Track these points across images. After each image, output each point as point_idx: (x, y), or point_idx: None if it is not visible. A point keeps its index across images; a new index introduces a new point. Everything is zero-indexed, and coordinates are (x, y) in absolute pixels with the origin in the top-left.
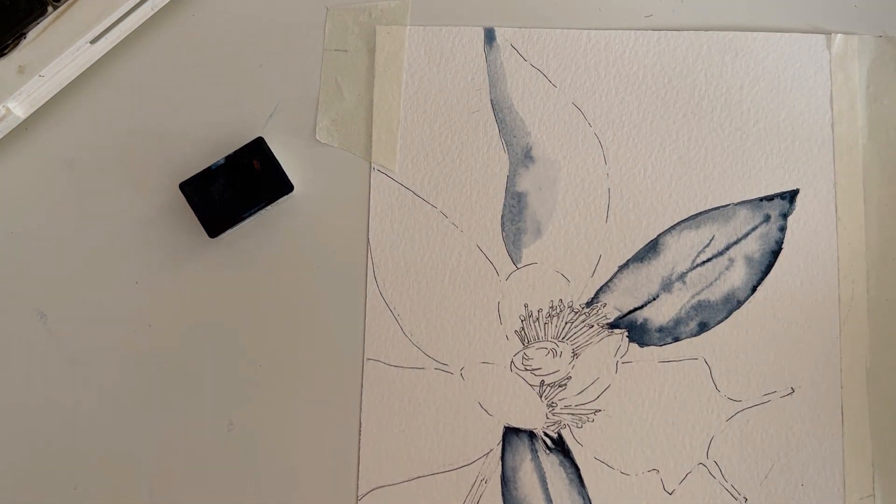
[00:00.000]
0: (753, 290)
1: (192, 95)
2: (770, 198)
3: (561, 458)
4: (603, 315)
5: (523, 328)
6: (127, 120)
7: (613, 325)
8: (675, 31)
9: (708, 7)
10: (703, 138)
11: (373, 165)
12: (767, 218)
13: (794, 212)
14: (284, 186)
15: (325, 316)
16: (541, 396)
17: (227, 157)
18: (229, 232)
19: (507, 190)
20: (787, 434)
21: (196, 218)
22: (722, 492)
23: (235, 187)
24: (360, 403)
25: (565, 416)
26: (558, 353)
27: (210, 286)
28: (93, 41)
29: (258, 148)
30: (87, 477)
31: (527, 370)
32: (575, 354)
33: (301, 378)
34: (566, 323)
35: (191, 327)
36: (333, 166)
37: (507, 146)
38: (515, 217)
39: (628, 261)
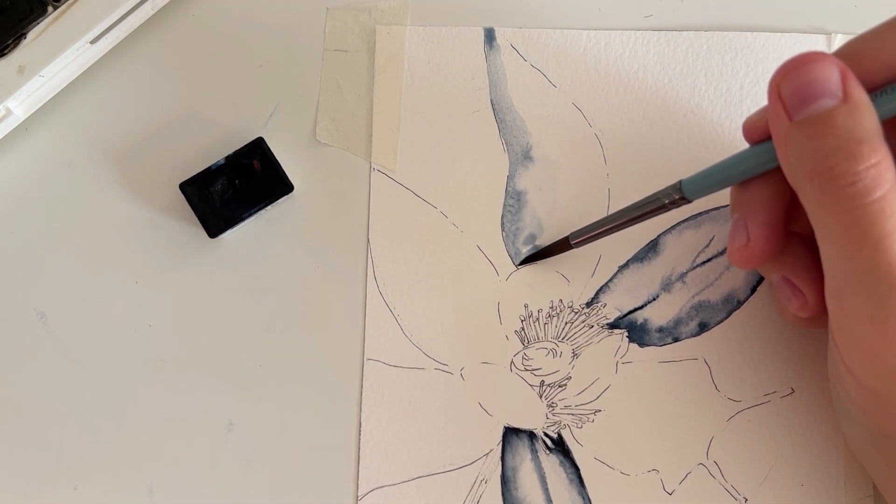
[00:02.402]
0: (753, 290)
1: (191, 95)
2: None
3: (561, 458)
4: (603, 315)
5: (523, 328)
6: (127, 120)
7: (613, 326)
8: (675, 32)
9: (708, 7)
10: (704, 138)
11: (373, 165)
12: None
13: None
14: (284, 186)
15: (325, 316)
16: (541, 396)
17: (227, 157)
18: (229, 232)
19: (506, 190)
20: (787, 434)
21: (196, 218)
22: (722, 492)
23: (235, 187)
24: (360, 403)
25: (565, 416)
26: (558, 354)
27: (210, 286)
28: (93, 41)
29: (258, 148)
30: (87, 477)
31: (527, 370)
32: (575, 354)
33: (301, 378)
34: (566, 323)
35: (191, 327)
36: (333, 166)
37: (507, 146)
38: (515, 217)
39: (628, 261)
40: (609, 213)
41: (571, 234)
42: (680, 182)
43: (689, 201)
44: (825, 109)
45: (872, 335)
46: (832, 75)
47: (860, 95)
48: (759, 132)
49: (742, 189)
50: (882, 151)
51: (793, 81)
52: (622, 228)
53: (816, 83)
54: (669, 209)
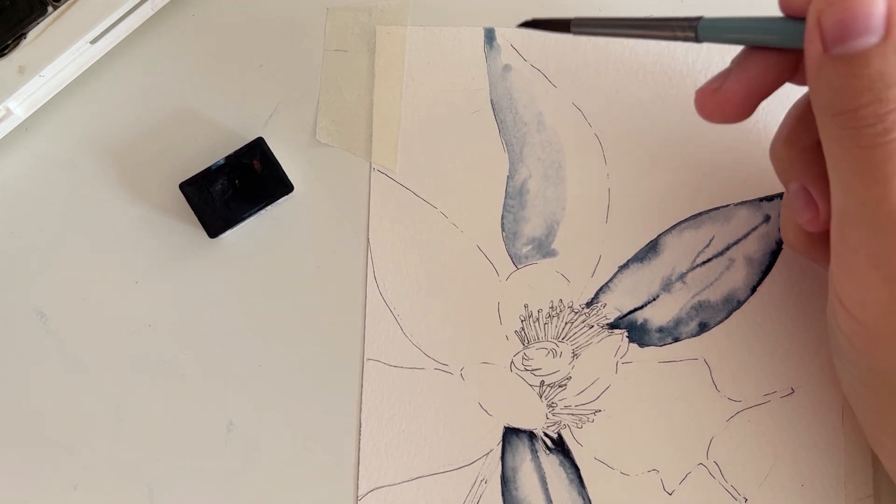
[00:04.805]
0: (753, 290)
1: (191, 95)
2: (770, 198)
3: (561, 458)
4: (603, 315)
5: (523, 328)
6: (127, 120)
7: (613, 326)
8: None
9: (708, 7)
10: (703, 138)
11: (373, 165)
12: (767, 218)
13: None
14: (284, 186)
15: (325, 316)
16: (541, 396)
17: (227, 157)
18: (229, 232)
19: (506, 190)
20: (787, 434)
21: (196, 218)
22: (722, 492)
23: (235, 187)
24: (360, 403)
25: (565, 416)
26: (558, 354)
27: (210, 286)
28: (93, 41)
29: (258, 148)
30: (87, 477)
31: (527, 370)
32: (575, 355)
33: (301, 378)
34: (566, 323)
35: (191, 327)
36: (333, 166)
37: (507, 146)
38: (515, 217)
39: (628, 261)
40: (626, 19)
41: (575, 19)
42: (700, 17)
43: (699, 41)
44: (863, 48)
45: (869, 270)
46: (877, 10)
47: None
48: (795, 9)
49: (748, 52)
50: None
51: (836, 13)
52: (624, 36)
53: (860, 19)
54: (677, 39)
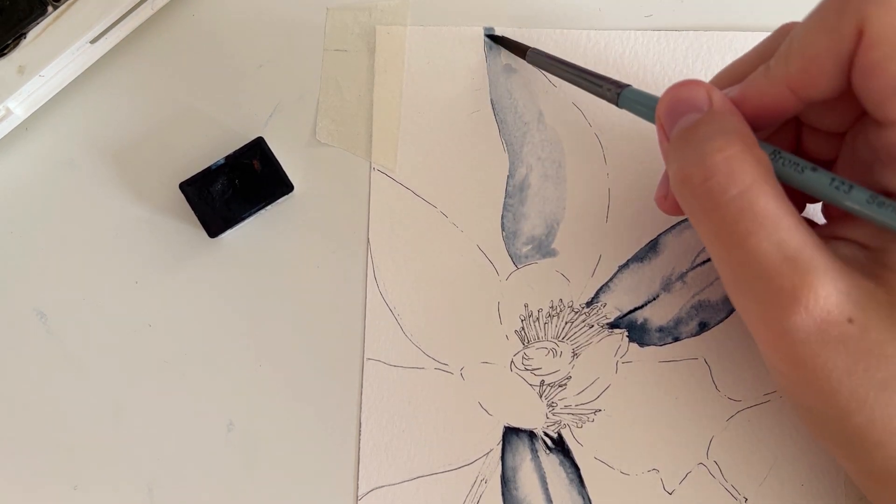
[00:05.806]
0: None
1: (191, 95)
2: None
3: (561, 458)
4: (603, 315)
5: (523, 328)
6: (127, 120)
7: (613, 325)
8: (675, 32)
9: (708, 7)
10: None
11: (373, 165)
12: None
13: None
14: (284, 186)
15: (325, 316)
16: (541, 396)
17: (227, 157)
18: (229, 232)
19: (506, 190)
20: (787, 434)
21: (196, 218)
22: (722, 492)
23: (235, 187)
24: (360, 403)
25: (565, 415)
26: (558, 353)
27: (210, 286)
28: (93, 41)
29: (258, 148)
30: (87, 477)
31: (527, 370)
32: (575, 354)
33: (301, 378)
34: (566, 323)
35: (191, 327)
36: (333, 166)
37: (507, 146)
38: (515, 217)
39: (628, 260)
40: (571, 64)
41: (533, 49)
42: (628, 87)
43: (618, 105)
44: (690, 122)
45: (760, 330)
46: (698, 92)
47: (722, 104)
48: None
49: None
50: (737, 146)
51: (664, 103)
52: (565, 79)
53: (684, 101)
54: (604, 97)
